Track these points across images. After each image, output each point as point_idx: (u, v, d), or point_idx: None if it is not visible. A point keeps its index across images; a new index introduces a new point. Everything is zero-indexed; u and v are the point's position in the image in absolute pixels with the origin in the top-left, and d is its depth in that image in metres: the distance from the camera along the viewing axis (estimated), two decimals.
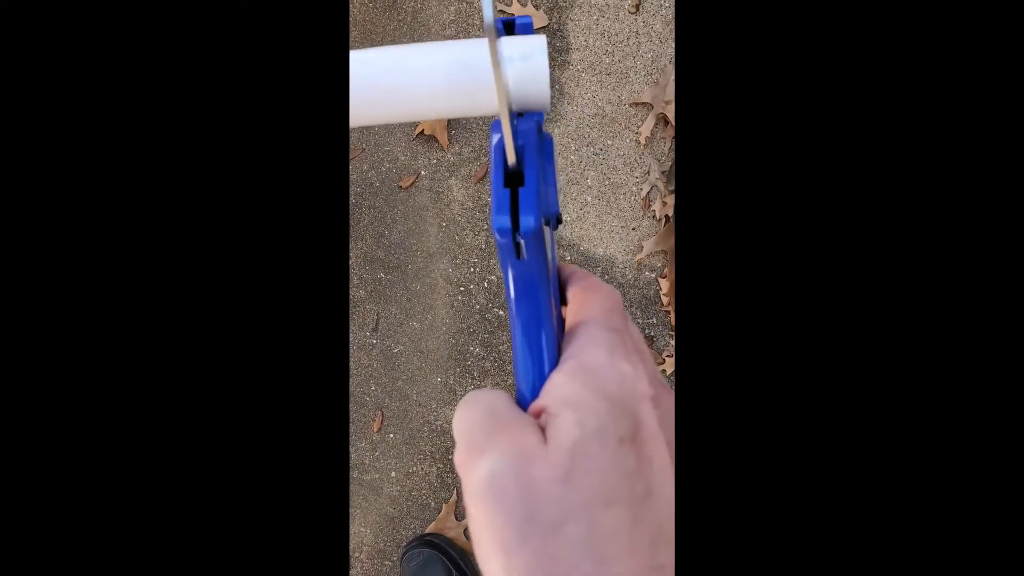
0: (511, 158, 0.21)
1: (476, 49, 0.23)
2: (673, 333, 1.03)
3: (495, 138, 0.22)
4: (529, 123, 0.23)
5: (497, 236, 0.21)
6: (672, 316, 1.04)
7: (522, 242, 0.21)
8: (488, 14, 0.18)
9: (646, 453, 0.22)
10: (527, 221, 0.21)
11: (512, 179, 0.22)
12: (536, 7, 1.06)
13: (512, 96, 0.23)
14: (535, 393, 0.24)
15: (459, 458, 0.22)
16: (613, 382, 0.22)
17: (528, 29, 0.25)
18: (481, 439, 0.22)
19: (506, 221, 0.21)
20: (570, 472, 0.20)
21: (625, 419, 0.22)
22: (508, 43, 0.23)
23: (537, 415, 0.23)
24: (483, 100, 0.23)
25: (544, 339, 0.24)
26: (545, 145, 0.24)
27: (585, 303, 0.25)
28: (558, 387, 0.23)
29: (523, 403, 0.24)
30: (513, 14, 1.05)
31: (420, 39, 1.09)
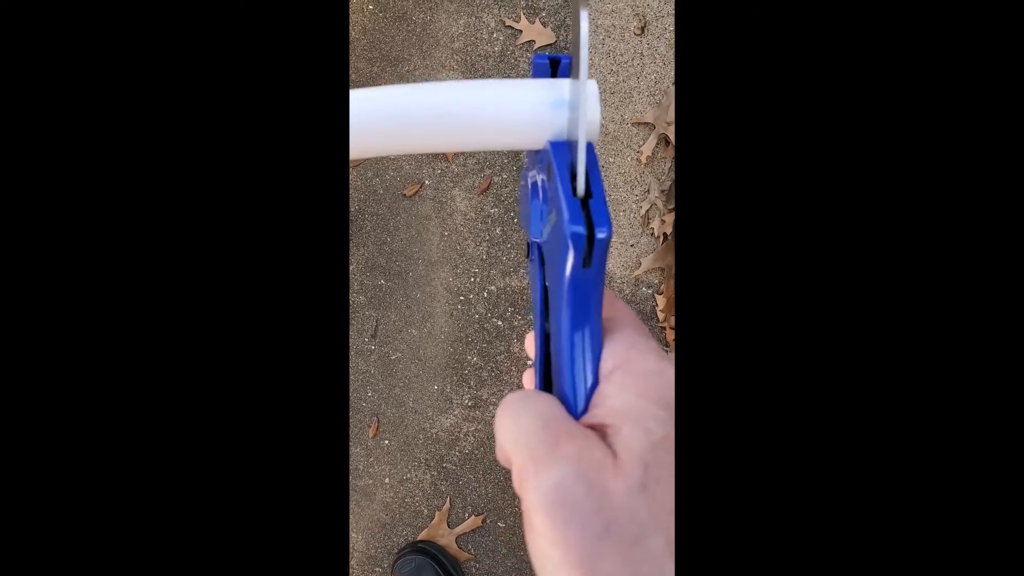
0: (580, 180, 0.23)
1: (535, 90, 0.25)
2: (667, 348, 1.05)
3: (557, 156, 0.24)
4: (591, 148, 0.24)
5: (571, 244, 0.22)
6: (667, 332, 1.06)
7: (593, 251, 0.22)
8: (584, 70, 0.19)
9: None
10: (602, 231, 0.22)
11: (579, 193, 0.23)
12: (544, 24, 1.08)
13: (569, 133, 0.25)
14: (584, 402, 0.24)
15: (519, 467, 0.22)
16: (666, 387, 0.22)
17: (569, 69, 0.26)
18: (544, 448, 0.21)
19: (581, 229, 0.22)
20: (645, 482, 0.20)
21: None
22: (565, 86, 0.25)
23: (591, 428, 0.22)
24: (530, 136, 0.25)
25: (594, 347, 0.24)
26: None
27: (611, 312, 0.25)
28: (611, 399, 0.22)
29: (570, 411, 0.24)
30: (521, 30, 1.07)
31: (429, 51, 1.10)
